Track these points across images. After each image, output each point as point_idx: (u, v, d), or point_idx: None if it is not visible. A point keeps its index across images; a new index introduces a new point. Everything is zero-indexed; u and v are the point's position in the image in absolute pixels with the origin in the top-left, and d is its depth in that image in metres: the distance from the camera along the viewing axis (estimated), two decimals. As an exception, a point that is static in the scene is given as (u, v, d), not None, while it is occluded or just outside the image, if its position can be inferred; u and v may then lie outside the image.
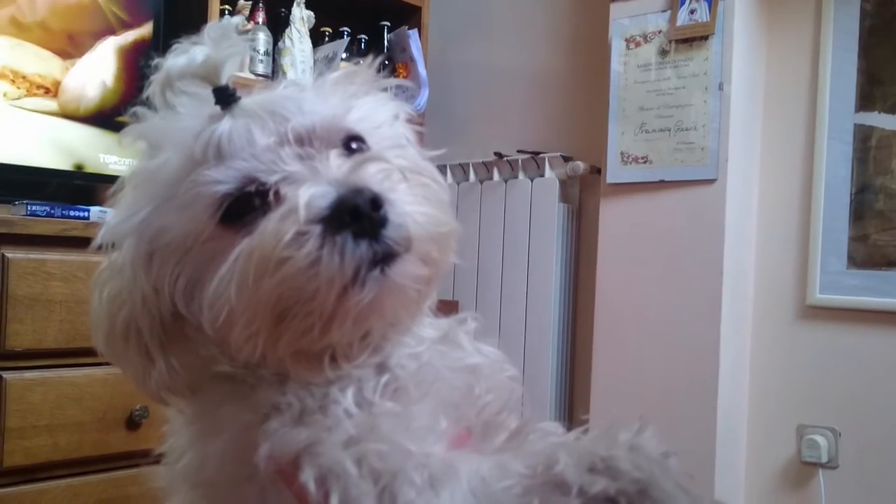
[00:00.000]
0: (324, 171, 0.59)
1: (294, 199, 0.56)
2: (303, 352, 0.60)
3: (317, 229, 0.55)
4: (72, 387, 1.75)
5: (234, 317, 0.57)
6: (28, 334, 1.70)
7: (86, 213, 1.82)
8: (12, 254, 1.68)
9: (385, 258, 0.57)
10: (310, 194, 0.56)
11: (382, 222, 0.57)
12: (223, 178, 0.59)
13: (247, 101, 0.61)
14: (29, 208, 1.76)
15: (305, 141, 0.62)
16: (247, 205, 0.59)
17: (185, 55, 0.61)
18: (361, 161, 0.60)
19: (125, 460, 1.81)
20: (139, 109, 0.65)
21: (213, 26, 0.63)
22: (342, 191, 0.56)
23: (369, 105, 0.68)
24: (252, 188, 0.59)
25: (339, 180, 0.57)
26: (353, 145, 0.64)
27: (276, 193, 0.58)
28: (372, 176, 0.59)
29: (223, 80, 0.61)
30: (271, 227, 0.56)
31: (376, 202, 0.56)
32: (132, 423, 1.82)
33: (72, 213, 1.81)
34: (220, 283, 0.57)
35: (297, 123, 0.61)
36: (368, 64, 0.71)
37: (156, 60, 0.63)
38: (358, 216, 0.55)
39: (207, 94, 0.61)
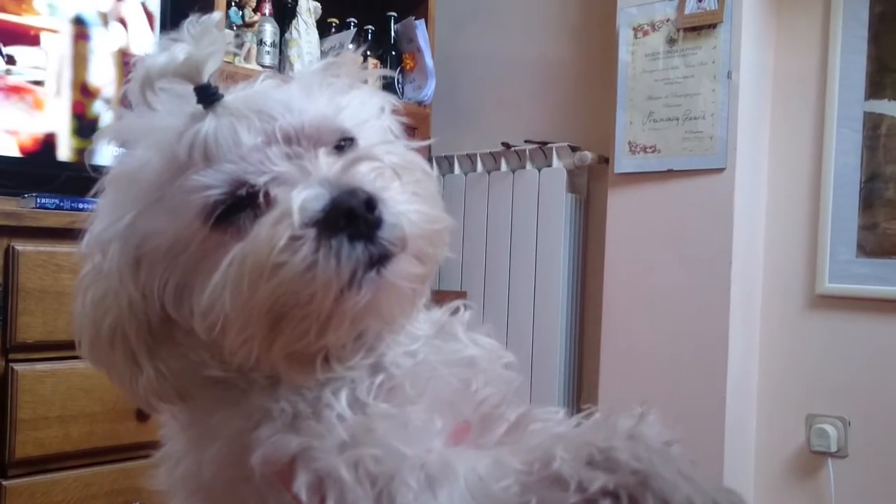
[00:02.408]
0: (314, 171, 0.58)
1: (287, 202, 0.55)
2: (296, 354, 0.59)
3: (311, 233, 0.54)
4: (82, 378, 1.75)
5: (229, 322, 0.57)
6: (38, 326, 1.71)
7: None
8: (22, 246, 1.69)
9: (381, 259, 0.56)
10: (303, 197, 0.55)
11: (377, 223, 0.56)
12: (213, 183, 0.58)
13: (230, 98, 0.60)
14: (38, 201, 1.77)
15: (293, 140, 0.60)
16: (237, 207, 0.58)
17: (166, 53, 0.59)
18: (353, 160, 0.59)
19: (136, 451, 1.82)
20: (116, 107, 0.64)
21: (194, 23, 0.61)
22: (335, 192, 0.55)
23: (356, 100, 0.67)
24: (243, 192, 0.58)
25: (332, 181, 0.56)
26: (342, 144, 0.63)
27: (266, 195, 0.57)
28: (364, 175, 0.58)
29: (205, 79, 0.59)
30: (265, 233, 0.55)
31: (370, 203, 0.55)
32: (142, 414, 1.83)
33: (81, 205, 1.81)
34: (213, 290, 0.56)
35: (286, 122, 0.60)
36: (351, 54, 0.70)
37: (135, 58, 0.61)
38: (353, 218, 0.55)
39: (185, 90, 0.60)
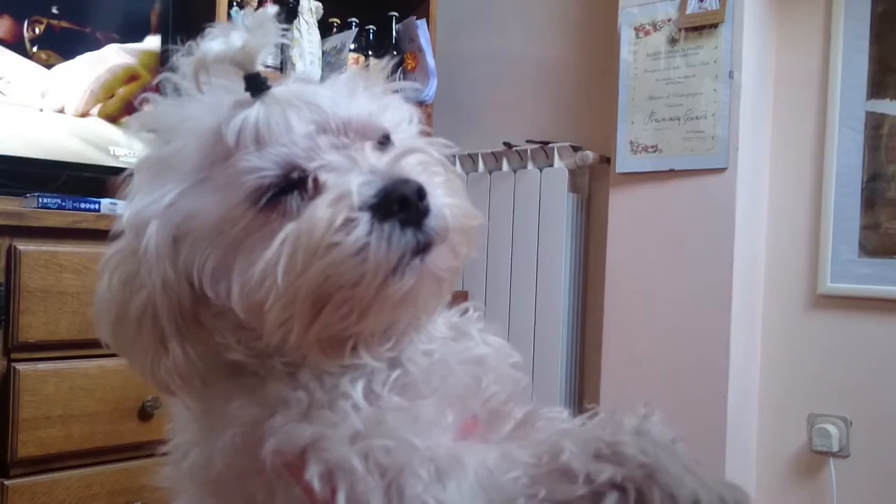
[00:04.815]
0: (362, 162, 0.60)
1: (341, 186, 0.57)
2: (330, 338, 0.60)
3: (365, 216, 0.56)
4: (85, 378, 1.76)
5: (274, 300, 0.58)
6: (41, 326, 1.71)
7: (97, 206, 1.83)
8: (24, 246, 1.69)
9: (425, 247, 0.58)
10: (358, 182, 0.57)
11: (426, 212, 0.58)
12: (265, 166, 0.59)
13: (278, 90, 0.61)
14: (40, 201, 1.77)
15: (341, 132, 0.62)
16: (285, 189, 0.60)
17: (222, 39, 0.61)
18: (402, 152, 0.61)
19: (137, 451, 1.82)
20: (150, 95, 0.65)
21: (249, 15, 0.63)
22: (388, 180, 0.58)
23: (394, 104, 0.69)
24: (295, 175, 0.59)
25: (382, 170, 0.59)
26: (382, 142, 0.65)
27: (315, 180, 0.59)
28: (413, 167, 0.61)
29: (256, 67, 0.61)
30: (321, 212, 0.56)
31: (421, 192, 0.58)
32: (144, 414, 1.83)
33: (83, 205, 1.82)
34: (266, 266, 0.57)
35: (334, 115, 0.62)
36: (383, 65, 0.72)
37: (187, 45, 0.62)
38: (405, 205, 0.57)
39: (220, 81, 0.62)
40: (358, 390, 0.60)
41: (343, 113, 0.63)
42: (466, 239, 0.64)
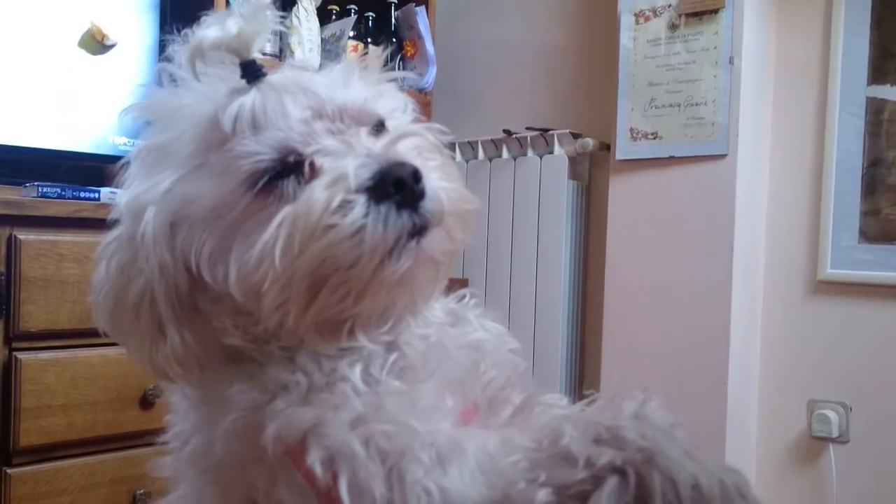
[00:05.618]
0: (357, 146, 0.60)
1: (337, 169, 0.58)
2: (327, 321, 0.61)
3: (362, 199, 0.57)
4: (86, 367, 1.76)
5: (272, 282, 0.58)
6: (41, 315, 1.71)
7: (97, 194, 1.83)
8: (24, 235, 1.69)
9: (421, 230, 0.59)
10: (354, 165, 0.58)
11: (422, 194, 0.59)
12: (261, 150, 0.60)
13: (274, 77, 0.62)
14: (40, 190, 1.77)
15: (336, 118, 0.63)
16: (281, 174, 0.60)
17: (218, 27, 0.61)
18: (398, 136, 0.62)
19: (139, 439, 1.82)
20: (145, 85, 0.65)
21: (244, 2, 0.63)
22: (384, 163, 0.58)
23: (388, 92, 0.70)
24: (291, 159, 0.60)
25: (378, 154, 0.59)
26: (377, 128, 0.66)
27: (311, 164, 0.60)
28: (408, 151, 0.61)
29: (252, 55, 0.62)
30: (318, 194, 0.57)
31: (416, 175, 0.58)
32: (146, 402, 1.84)
33: (83, 194, 1.82)
34: (263, 247, 0.58)
35: (330, 101, 0.63)
36: (378, 54, 0.73)
37: (183, 32, 0.63)
38: (401, 187, 0.57)
39: (215, 70, 0.62)
40: (356, 373, 0.60)
41: (339, 99, 0.63)
42: (462, 223, 0.64)
